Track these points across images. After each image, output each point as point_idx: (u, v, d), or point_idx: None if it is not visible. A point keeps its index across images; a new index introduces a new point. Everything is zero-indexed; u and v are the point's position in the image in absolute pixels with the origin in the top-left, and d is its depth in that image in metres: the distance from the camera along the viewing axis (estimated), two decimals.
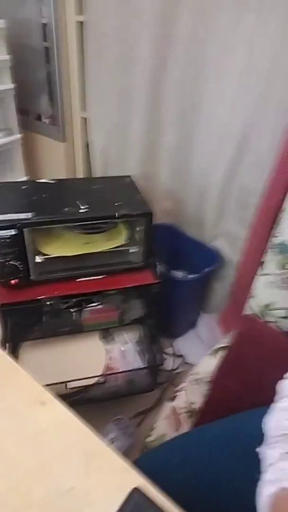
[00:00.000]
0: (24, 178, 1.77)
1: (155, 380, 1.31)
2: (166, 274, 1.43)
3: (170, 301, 1.52)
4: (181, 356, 1.61)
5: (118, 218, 0.99)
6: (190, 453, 0.71)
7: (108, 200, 1.04)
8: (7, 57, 1.48)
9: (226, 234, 1.46)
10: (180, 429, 0.88)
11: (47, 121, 1.73)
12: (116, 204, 1.01)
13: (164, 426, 0.89)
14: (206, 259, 1.52)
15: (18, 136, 1.67)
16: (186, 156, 1.40)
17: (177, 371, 1.54)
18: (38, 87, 1.66)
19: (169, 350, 1.63)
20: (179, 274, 1.73)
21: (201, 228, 1.54)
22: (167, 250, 1.65)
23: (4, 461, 0.48)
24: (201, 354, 1.10)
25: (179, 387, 0.99)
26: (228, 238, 1.46)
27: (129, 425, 1.30)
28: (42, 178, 1.14)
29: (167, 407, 0.94)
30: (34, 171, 1.88)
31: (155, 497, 0.45)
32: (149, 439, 0.86)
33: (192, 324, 1.73)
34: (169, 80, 1.28)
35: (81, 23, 1.39)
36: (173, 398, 0.96)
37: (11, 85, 1.54)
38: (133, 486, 0.46)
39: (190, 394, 0.96)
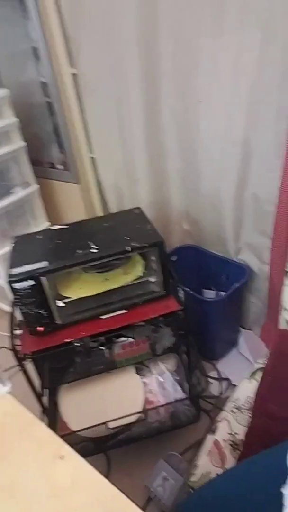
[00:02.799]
0: (47, 224, 1.87)
1: (199, 409, 1.25)
2: (195, 296, 1.39)
3: (205, 323, 1.47)
4: (227, 379, 1.54)
5: (129, 251, 0.99)
6: (238, 495, 0.65)
7: (118, 235, 1.05)
8: (15, 119, 1.60)
9: (249, 246, 1.41)
10: (226, 464, 0.83)
11: (60, 167, 1.83)
12: (126, 237, 1.02)
13: (207, 463, 0.83)
14: (234, 275, 1.47)
15: (36, 186, 1.77)
16: (194, 176, 1.39)
17: (224, 395, 1.47)
18: (47, 138, 1.78)
19: (213, 373, 1.57)
20: (211, 293, 1.68)
21: (224, 244, 1.51)
22: (194, 272, 1.63)
23: None
24: (246, 373, 1.04)
25: (220, 417, 0.94)
26: (252, 250, 1.41)
27: (182, 460, 1.24)
28: (64, 222, 1.19)
29: (209, 441, 0.89)
30: (55, 216, 1.97)
31: None
32: (192, 478, 0.81)
33: (234, 343, 1.65)
34: (164, 111, 1.31)
35: (75, 75, 1.48)
36: (214, 430, 0.91)
37: (22, 143, 1.66)
38: None
39: (232, 424, 0.90)
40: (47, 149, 1.82)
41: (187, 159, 1.37)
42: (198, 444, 1.23)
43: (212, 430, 0.91)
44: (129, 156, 1.49)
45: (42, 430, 0.57)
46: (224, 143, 1.22)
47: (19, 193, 1.70)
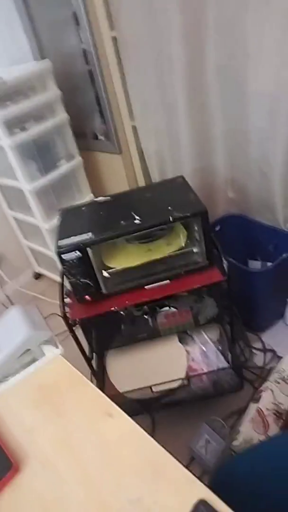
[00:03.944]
0: (91, 196, 1.90)
1: (242, 379, 1.26)
2: (240, 267, 1.36)
3: (250, 294, 1.44)
4: (272, 350, 1.52)
5: (171, 222, 0.98)
6: (282, 461, 0.66)
7: (161, 205, 1.05)
8: (58, 92, 1.60)
9: None
10: (268, 431, 0.84)
11: (102, 138, 1.82)
12: (169, 208, 1.01)
13: (249, 429, 0.85)
14: (283, 244, 1.41)
15: (79, 159, 1.79)
16: (240, 141, 1.32)
17: (268, 366, 1.46)
18: (89, 108, 1.76)
19: (258, 344, 1.55)
20: (257, 264, 1.64)
21: (272, 212, 1.43)
22: (239, 242, 1.58)
23: (80, 470, 0.52)
24: None
25: (263, 386, 0.94)
26: None
27: (224, 426, 1.28)
28: (107, 193, 1.20)
29: (252, 408, 0.90)
30: (99, 187, 1.99)
31: (222, 510, 0.44)
32: (235, 443, 0.83)
33: (280, 315, 1.61)
34: (209, 69, 1.23)
35: (115, 38, 1.43)
36: (257, 399, 0.92)
37: (65, 116, 1.67)
38: (199, 498, 0.45)
39: (276, 394, 0.90)
40: (89, 120, 1.81)
41: (233, 121, 1.29)
42: (240, 412, 1.25)
43: (255, 399, 0.91)
44: (172, 122, 1.44)
45: (92, 390, 0.62)
46: (273, 103, 1.12)
47: (64, 166, 1.73)
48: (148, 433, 0.54)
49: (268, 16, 1.00)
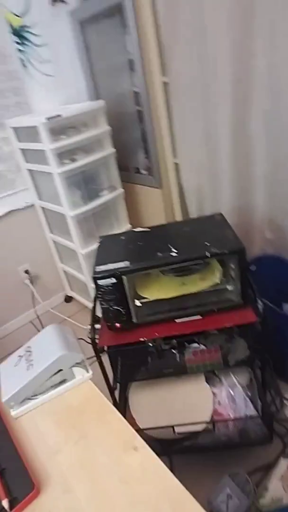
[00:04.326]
0: (129, 226, 1.95)
1: (272, 431, 1.17)
2: (274, 309, 1.32)
3: (283, 339, 1.38)
4: None
5: (208, 257, 0.98)
6: None
7: (198, 240, 1.05)
8: (108, 128, 1.72)
9: None
10: None
11: (144, 172, 1.90)
12: (206, 243, 1.02)
13: (279, 487, 0.78)
14: None
15: (121, 190, 1.88)
16: (282, 181, 1.32)
17: None
18: (134, 144, 1.86)
19: None
20: None
21: None
22: (274, 283, 1.54)
23: (98, 500, 0.50)
24: None
25: None
26: None
27: (248, 481, 1.18)
28: (144, 225, 1.24)
29: (282, 465, 0.83)
30: (137, 219, 2.05)
31: None
32: (262, 501, 0.77)
33: None
34: (254, 113, 1.27)
35: (166, 83, 1.53)
36: None
37: (112, 150, 1.77)
38: None
39: None
40: (134, 155, 1.91)
41: (275, 163, 1.31)
42: (267, 468, 1.16)
43: (286, 454, 0.84)
44: (214, 161, 1.48)
45: (118, 419, 0.60)
46: None
47: (106, 196, 1.81)
48: None
49: None
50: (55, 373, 0.67)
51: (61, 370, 0.67)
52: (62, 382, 0.68)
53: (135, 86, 1.66)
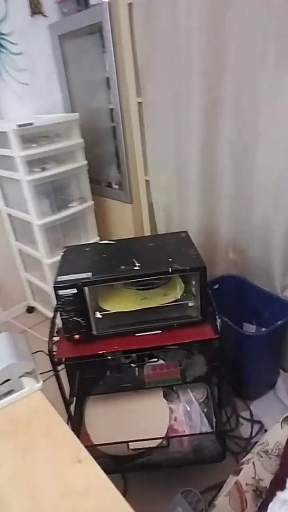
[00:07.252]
0: (97, 239, 1.95)
1: (225, 448, 1.18)
2: (234, 328, 1.35)
3: (242, 358, 1.41)
4: (259, 422, 1.44)
5: (170, 273, 1.01)
6: None
7: (162, 256, 1.08)
8: (81, 140, 1.74)
9: None
10: (245, 510, 0.77)
11: (116, 186, 1.93)
12: (169, 259, 1.04)
13: (226, 504, 0.79)
14: (278, 312, 1.41)
15: (91, 202, 1.88)
16: (245, 206, 1.39)
17: (255, 439, 1.37)
18: (108, 159, 1.89)
19: (246, 414, 1.48)
20: (251, 327, 1.62)
21: (270, 278, 1.46)
22: (235, 303, 1.59)
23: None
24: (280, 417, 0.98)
25: (245, 458, 0.89)
26: None
27: (200, 499, 1.17)
28: (112, 238, 1.24)
29: (231, 481, 0.84)
30: (106, 232, 2.06)
31: None
32: None
33: (271, 385, 1.56)
34: (221, 141, 1.34)
35: (140, 103, 1.58)
36: (238, 472, 0.86)
37: (84, 162, 1.79)
38: None
39: (258, 469, 0.85)
40: (106, 169, 1.94)
41: (240, 188, 1.37)
42: (219, 486, 1.16)
43: (236, 471, 0.86)
44: (183, 181, 1.54)
45: (65, 431, 0.59)
46: (280, 176, 1.21)
47: (75, 207, 1.81)
48: None
49: (279, 107, 1.12)
50: (2, 383, 0.65)
51: (8, 380, 0.65)
52: (9, 392, 0.66)
53: (111, 103, 1.70)
